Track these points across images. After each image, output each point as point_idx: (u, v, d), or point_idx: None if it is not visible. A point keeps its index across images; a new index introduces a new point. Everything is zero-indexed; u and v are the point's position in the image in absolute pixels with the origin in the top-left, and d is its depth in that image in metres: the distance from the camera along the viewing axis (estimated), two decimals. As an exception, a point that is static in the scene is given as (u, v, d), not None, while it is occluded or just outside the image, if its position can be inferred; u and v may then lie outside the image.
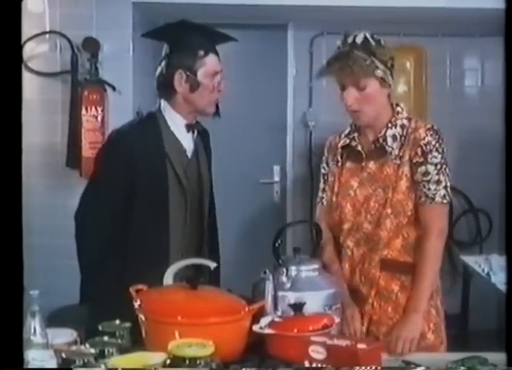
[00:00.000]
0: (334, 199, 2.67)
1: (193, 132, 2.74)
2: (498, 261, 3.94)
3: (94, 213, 2.65)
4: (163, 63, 2.66)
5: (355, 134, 2.64)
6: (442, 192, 2.50)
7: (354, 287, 2.56)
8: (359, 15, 4.48)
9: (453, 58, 5.39)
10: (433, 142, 2.49)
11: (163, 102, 2.71)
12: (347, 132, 2.69)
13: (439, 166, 2.49)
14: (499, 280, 3.75)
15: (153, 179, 2.62)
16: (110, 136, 2.79)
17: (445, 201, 2.51)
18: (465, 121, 5.31)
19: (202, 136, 2.82)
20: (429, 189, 2.49)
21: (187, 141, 2.73)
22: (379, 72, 2.49)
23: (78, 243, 2.68)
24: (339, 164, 2.68)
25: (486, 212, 5.35)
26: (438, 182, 2.49)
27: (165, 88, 2.67)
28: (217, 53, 2.68)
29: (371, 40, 2.49)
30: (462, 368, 2.10)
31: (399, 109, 2.60)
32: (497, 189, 4.74)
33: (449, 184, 2.52)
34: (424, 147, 2.49)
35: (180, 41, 2.64)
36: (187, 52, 2.62)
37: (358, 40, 2.50)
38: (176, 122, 2.69)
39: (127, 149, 2.61)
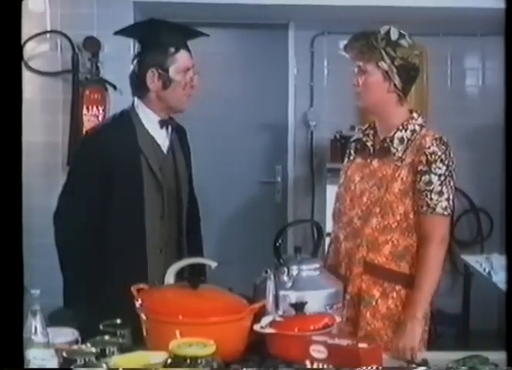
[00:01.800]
0: (337, 190, 2.71)
1: (168, 128, 2.75)
2: (499, 261, 3.94)
3: (71, 214, 2.66)
4: (135, 61, 2.68)
5: (371, 131, 2.67)
6: (444, 204, 2.49)
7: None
8: (360, 15, 4.48)
9: (453, 58, 5.40)
10: (439, 153, 2.48)
11: (136, 100, 2.73)
12: (364, 128, 2.71)
13: (442, 178, 2.48)
14: (500, 279, 3.75)
15: (127, 176, 2.64)
16: (84, 135, 2.80)
17: (446, 213, 2.50)
18: (465, 121, 5.31)
19: (178, 133, 2.83)
20: (431, 199, 2.48)
21: (162, 137, 2.74)
22: (383, 65, 2.51)
23: (58, 244, 2.70)
24: (351, 157, 2.72)
25: (486, 211, 5.35)
26: (440, 193, 2.48)
27: (138, 86, 2.69)
28: (188, 49, 2.69)
29: (392, 34, 2.52)
30: (463, 367, 2.10)
31: (415, 115, 2.60)
32: (498, 188, 4.77)
33: (452, 197, 2.50)
34: (429, 156, 2.48)
35: (150, 39, 2.66)
36: (158, 50, 2.64)
37: (383, 30, 2.53)
38: (149, 119, 2.71)
39: (101, 146, 2.64)
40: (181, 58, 2.65)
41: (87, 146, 2.74)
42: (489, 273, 3.93)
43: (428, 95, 5.33)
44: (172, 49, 2.63)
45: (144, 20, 2.68)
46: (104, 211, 2.62)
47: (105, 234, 2.62)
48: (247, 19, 4.99)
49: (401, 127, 2.56)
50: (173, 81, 2.64)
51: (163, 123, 2.72)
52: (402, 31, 2.55)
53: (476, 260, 4.23)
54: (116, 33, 2.87)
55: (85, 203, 2.63)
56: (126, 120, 2.70)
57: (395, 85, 2.54)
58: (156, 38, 2.64)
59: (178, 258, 2.58)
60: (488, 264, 4.02)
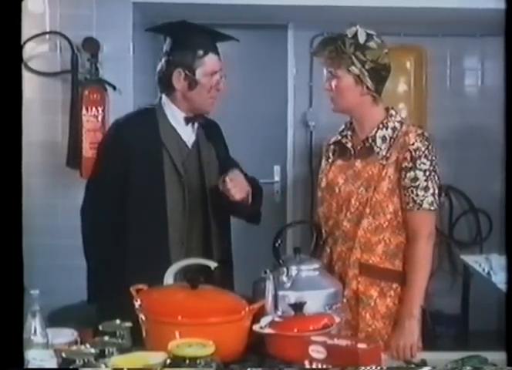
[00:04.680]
0: (320, 194, 2.72)
1: (193, 124, 2.76)
2: (498, 261, 3.94)
3: (95, 208, 2.69)
4: (164, 59, 2.70)
5: (348, 132, 2.67)
6: (430, 199, 2.50)
7: None
8: (359, 15, 4.48)
9: (453, 58, 5.40)
10: (423, 149, 2.50)
11: (163, 97, 2.75)
12: (341, 129, 2.71)
13: (427, 173, 2.50)
14: (499, 279, 3.75)
15: (149, 169, 2.65)
16: (108, 129, 2.83)
17: (432, 208, 2.51)
18: (465, 121, 5.31)
19: (207, 129, 2.82)
20: (417, 195, 2.49)
21: (187, 133, 2.75)
22: (354, 69, 2.52)
23: (83, 239, 2.70)
24: (329, 160, 2.71)
25: (486, 212, 5.35)
26: (426, 188, 2.49)
27: (164, 84, 2.71)
28: (217, 52, 2.71)
29: (360, 36, 2.52)
30: (465, 367, 2.10)
31: (392, 112, 2.62)
32: (497, 189, 4.77)
33: (437, 192, 2.52)
34: (413, 152, 2.50)
35: (180, 39, 2.67)
36: (187, 51, 2.65)
37: (350, 32, 2.52)
38: (174, 115, 2.73)
39: (123, 140, 2.67)
40: (209, 61, 2.67)
41: (108, 140, 2.78)
42: (488, 273, 3.93)
43: (427, 95, 5.33)
44: (200, 52, 2.65)
45: (176, 21, 2.69)
46: (126, 204, 2.63)
47: (127, 227, 2.64)
48: (246, 20, 4.99)
49: (381, 126, 2.57)
50: (199, 83, 2.66)
51: (188, 120, 2.74)
52: (369, 31, 2.55)
53: (475, 261, 4.23)
54: (148, 30, 2.91)
55: (107, 196, 2.66)
56: (150, 115, 2.73)
57: (367, 87, 2.54)
58: (185, 39, 2.66)
59: (205, 252, 2.62)
60: (487, 265, 4.02)
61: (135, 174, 2.64)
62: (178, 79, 2.66)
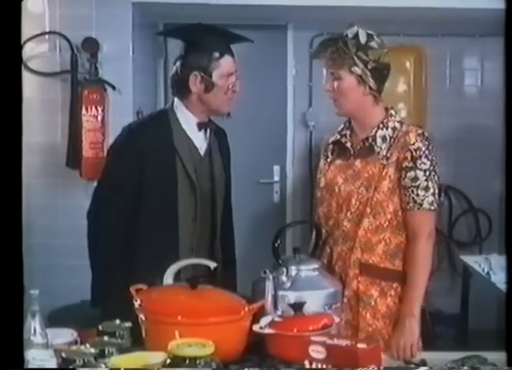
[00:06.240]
0: (319, 194, 2.72)
1: (206, 131, 2.75)
2: (498, 261, 3.94)
3: (105, 211, 2.67)
4: (178, 63, 2.68)
5: (347, 131, 2.67)
6: (431, 199, 2.50)
7: None
8: (359, 15, 4.48)
9: (452, 58, 5.40)
10: (423, 149, 2.50)
11: (176, 101, 2.73)
12: (340, 128, 2.71)
13: (427, 173, 2.50)
14: (499, 279, 3.75)
15: (162, 176, 2.64)
16: (120, 133, 2.81)
17: (432, 208, 2.52)
18: (465, 121, 5.31)
19: (218, 136, 2.83)
20: (417, 195, 2.50)
21: (199, 139, 2.74)
22: (357, 70, 2.51)
23: (89, 242, 2.68)
24: (328, 160, 2.72)
25: (485, 212, 5.35)
26: (426, 188, 2.50)
27: (179, 87, 2.70)
28: (232, 54, 2.70)
29: (361, 37, 2.52)
30: (465, 367, 2.10)
31: (392, 111, 2.62)
32: (497, 189, 4.77)
33: (437, 191, 2.52)
34: (414, 152, 2.50)
35: (195, 42, 2.66)
36: (203, 54, 2.64)
37: (350, 33, 2.52)
38: (187, 121, 2.71)
39: (135, 146, 2.64)
40: (225, 63, 2.66)
41: (121, 145, 2.74)
42: (488, 273, 3.93)
43: (427, 95, 5.33)
44: (216, 54, 2.64)
45: (191, 23, 2.68)
46: (137, 210, 2.63)
47: (137, 232, 2.63)
48: (246, 20, 4.97)
49: (381, 125, 2.58)
50: (215, 85, 2.64)
51: (201, 126, 2.72)
52: (369, 31, 2.55)
53: (474, 261, 4.23)
54: (160, 34, 2.86)
55: (118, 201, 2.65)
56: (164, 120, 2.71)
57: (370, 87, 2.54)
58: (201, 42, 2.65)
59: (211, 258, 2.58)
60: (487, 265, 4.02)
61: (148, 180, 2.63)
62: (194, 82, 2.64)
